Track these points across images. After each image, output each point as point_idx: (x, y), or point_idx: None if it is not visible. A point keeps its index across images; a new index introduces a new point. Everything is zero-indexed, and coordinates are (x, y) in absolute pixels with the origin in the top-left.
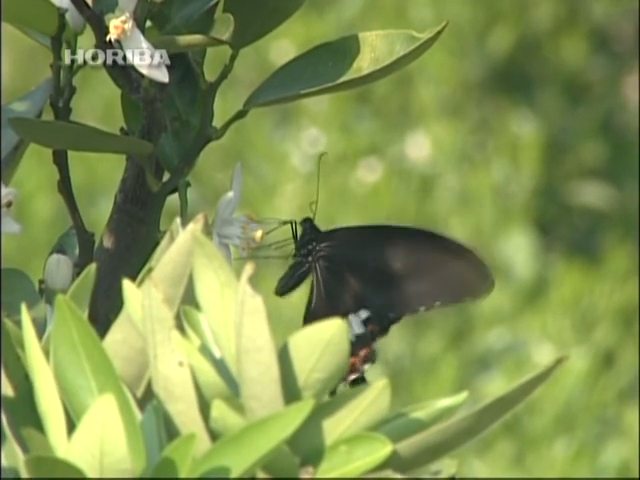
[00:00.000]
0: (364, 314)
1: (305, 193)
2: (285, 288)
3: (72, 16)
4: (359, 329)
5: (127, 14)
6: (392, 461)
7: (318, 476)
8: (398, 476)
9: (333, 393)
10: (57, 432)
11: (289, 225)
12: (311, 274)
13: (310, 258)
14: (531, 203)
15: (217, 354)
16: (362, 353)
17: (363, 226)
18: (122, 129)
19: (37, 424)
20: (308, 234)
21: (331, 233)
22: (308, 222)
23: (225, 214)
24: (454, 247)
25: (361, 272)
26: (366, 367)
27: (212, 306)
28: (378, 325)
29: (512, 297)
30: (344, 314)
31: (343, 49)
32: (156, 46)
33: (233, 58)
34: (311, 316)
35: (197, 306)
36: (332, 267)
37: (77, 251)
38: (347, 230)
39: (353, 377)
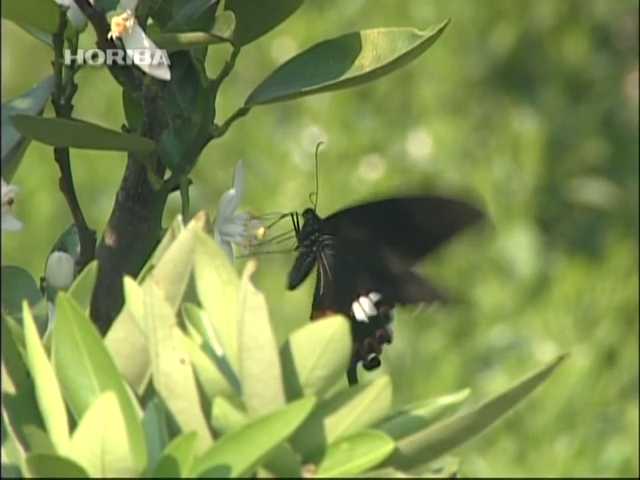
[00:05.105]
0: (375, 297)
1: (307, 190)
2: (295, 281)
3: (74, 14)
4: (372, 311)
5: (129, 12)
6: (394, 459)
7: (320, 474)
8: (400, 474)
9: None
10: (59, 430)
11: (290, 219)
12: (317, 263)
13: (314, 248)
14: (532, 200)
15: (219, 352)
16: (378, 333)
17: (368, 204)
18: (124, 127)
19: (38, 422)
20: (311, 224)
21: (333, 220)
22: (310, 213)
23: (227, 212)
24: (444, 204)
25: (367, 256)
26: (382, 346)
27: (214, 304)
28: (389, 306)
29: (514, 295)
30: (354, 298)
31: (344, 47)
32: (158, 44)
33: (234, 56)
34: (320, 305)
35: (199, 304)
36: (338, 254)
37: (78, 249)
38: (350, 213)
39: (372, 356)
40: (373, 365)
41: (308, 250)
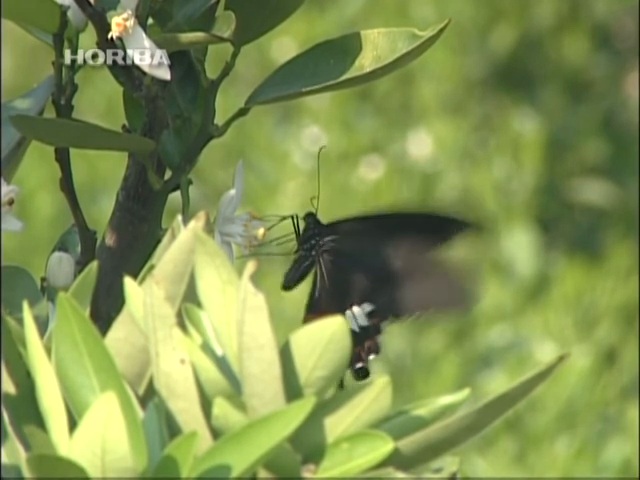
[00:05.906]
0: (368, 307)
1: (307, 191)
2: (291, 282)
3: (74, 13)
4: (363, 321)
5: (129, 11)
6: (394, 459)
7: (320, 474)
8: (400, 474)
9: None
10: (59, 430)
11: (291, 221)
12: (315, 267)
13: (314, 252)
14: (533, 200)
15: (219, 352)
16: (367, 344)
17: (367, 216)
18: (124, 127)
19: (39, 422)
20: (312, 228)
21: (334, 226)
22: (311, 216)
23: (227, 212)
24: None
25: (364, 266)
26: (370, 357)
27: (214, 304)
28: (382, 318)
29: (514, 294)
30: (348, 306)
31: (345, 47)
32: (158, 44)
33: (235, 56)
34: (314, 308)
35: (199, 304)
36: (336, 261)
37: (79, 249)
38: (351, 222)
39: (359, 365)
40: (361, 375)
41: (307, 254)
